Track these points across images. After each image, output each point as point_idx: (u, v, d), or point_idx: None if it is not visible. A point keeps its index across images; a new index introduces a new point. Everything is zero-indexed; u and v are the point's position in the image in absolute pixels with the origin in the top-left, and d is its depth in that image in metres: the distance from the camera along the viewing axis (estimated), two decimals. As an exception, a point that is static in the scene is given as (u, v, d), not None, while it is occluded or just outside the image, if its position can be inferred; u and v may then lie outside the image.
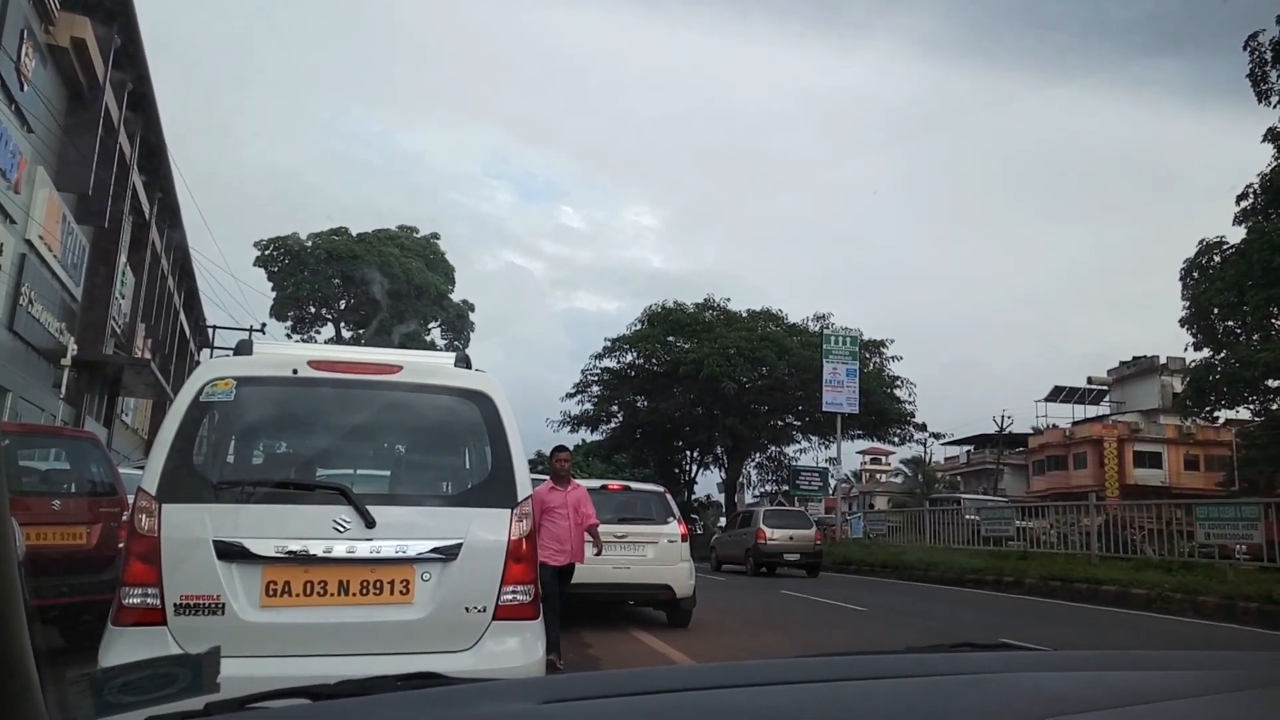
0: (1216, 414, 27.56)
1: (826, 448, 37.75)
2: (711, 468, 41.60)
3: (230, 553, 3.53)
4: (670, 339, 36.28)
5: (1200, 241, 24.41)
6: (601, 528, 10.04)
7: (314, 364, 3.97)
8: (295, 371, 3.93)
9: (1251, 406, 25.30)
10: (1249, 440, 27.04)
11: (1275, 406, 24.28)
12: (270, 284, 49.58)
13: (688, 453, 41.62)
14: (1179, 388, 32.40)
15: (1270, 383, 23.06)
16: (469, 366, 4.36)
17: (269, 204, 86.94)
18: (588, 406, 39.71)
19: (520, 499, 3.93)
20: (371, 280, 47.31)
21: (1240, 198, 23.05)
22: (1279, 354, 21.01)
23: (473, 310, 53.76)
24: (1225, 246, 23.65)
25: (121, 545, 5.52)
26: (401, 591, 3.70)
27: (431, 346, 46.59)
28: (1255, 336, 23.13)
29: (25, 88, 15.50)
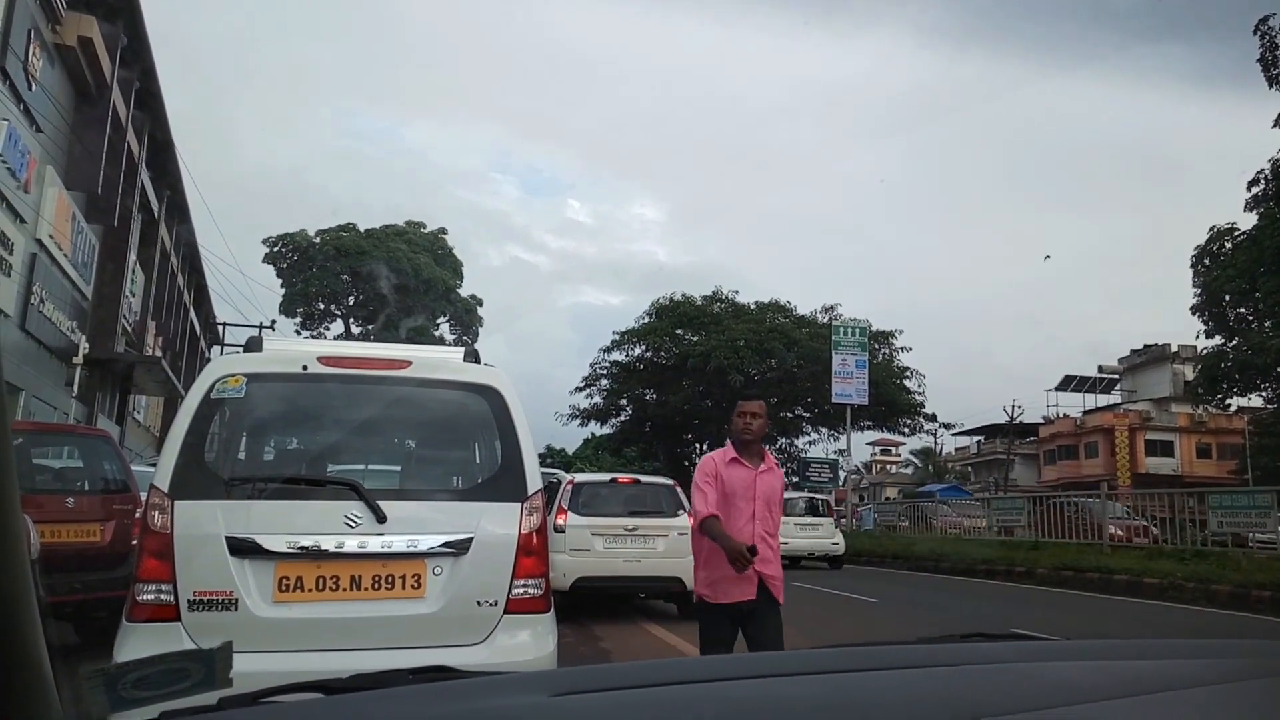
0: (1229, 401, 27.44)
1: (836, 439, 37.75)
2: (721, 460, 41.55)
3: (243, 548, 3.54)
4: (678, 332, 36.28)
5: (1211, 228, 24.31)
6: (611, 521, 10.10)
7: (324, 360, 3.98)
8: (305, 368, 3.94)
9: (1264, 394, 25.18)
10: (1262, 428, 26.94)
11: (1288, 394, 24.14)
12: (279, 280, 49.79)
13: (697, 445, 41.63)
14: (1190, 375, 32.27)
15: (1283, 370, 22.93)
16: (478, 361, 4.37)
17: (276, 200, 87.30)
18: (597, 400, 39.80)
19: (530, 492, 3.94)
20: (380, 276, 47.44)
21: (1251, 183, 22.90)
22: (1291, 341, 20.90)
23: (481, 305, 53.91)
24: (1236, 233, 23.52)
25: (135, 542, 5.56)
26: (413, 586, 3.72)
27: (440, 341, 46.72)
28: (1267, 323, 23.01)
29: (33, 87, 15.56)
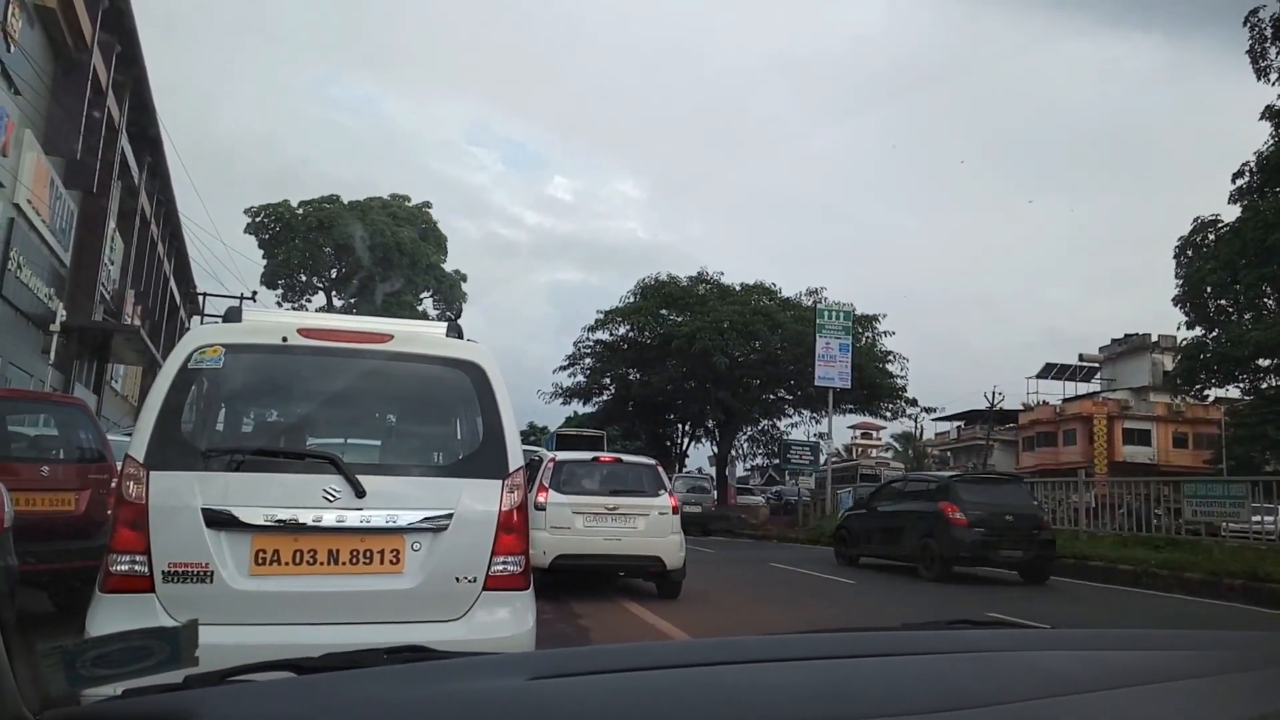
0: (1207, 392, 27.68)
1: (818, 422, 37.87)
2: (703, 441, 41.73)
3: (219, 520, 3.50)
4: (663, 312, 36.22)
5: (1195, 219, 24.42)
6: (592, 499, 10.12)
7: (304, 332, 3.92)
8: (285, 339, 3.88)
9: (1241, 385, 25.40)
10: (1238, 419, 27.17)
11: (1265, 385, 24.35)
12: (261, 251, 49.33)
13: (679, 426, 41.70)
14: (1170, 365, 32.52)
15: (1261, 361, 23.14)
16: (460, 336, 4.32)
17: (258, 171, 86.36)
18: (580, 379, 39.75)
19: (512, 469, 3.91)
20: (363, 249, 47.08)
21: (1236, 175, 23.01)
22: (1270, 333, 21.06)
23: (465, 280, 53.65)
24: (1220, 225, 23.62)
25: (110, 512, 5.50)
26: (392, 561, 3.69)
27: (424, 316, 46.50)
28: (1247, 315, 23.18)
29: (12, 49, 15.27)
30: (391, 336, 4.05)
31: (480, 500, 3.83)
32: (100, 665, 0.92)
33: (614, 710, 0.94)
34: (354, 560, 3.65)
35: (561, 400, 40.43)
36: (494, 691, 0.98)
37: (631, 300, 37.40)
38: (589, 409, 42.11)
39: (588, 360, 39.47)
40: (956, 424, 63.63)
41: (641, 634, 7.92)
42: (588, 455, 11.42)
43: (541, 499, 9.79)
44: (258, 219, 49.19)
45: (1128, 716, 1.01)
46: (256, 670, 1.05)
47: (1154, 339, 49.55)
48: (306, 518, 3.59)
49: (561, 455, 11.30)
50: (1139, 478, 20.13)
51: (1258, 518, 14.25)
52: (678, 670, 1.10)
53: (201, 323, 30.72)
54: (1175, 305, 24.86)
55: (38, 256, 17.82)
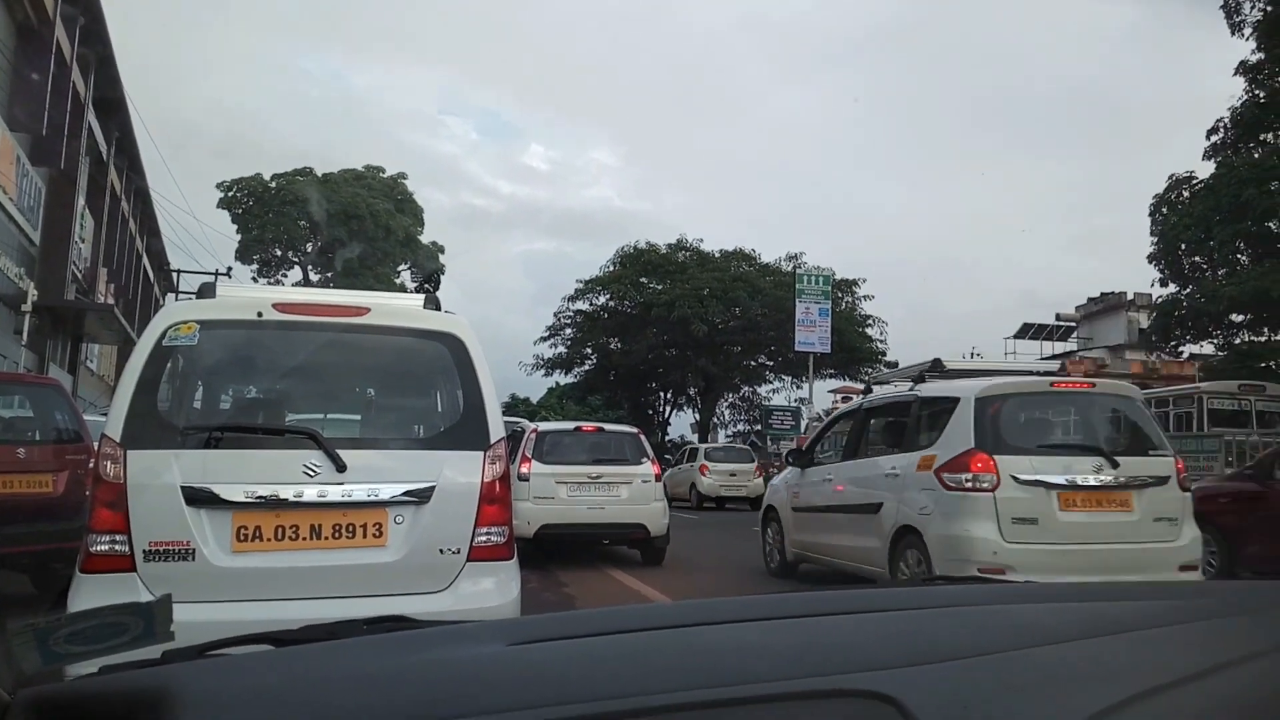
0: (1181, 348, 27.94)
1: (799, 387, 38.11)
2: (685, 408, 41.93)
3: (199, 498, 3.49)
4: (643, 280, 36.20)
5: (1170, 176, 24.49)
6: (575, 469, 10.17)
7: (279, 306, 3.89)
8: (260, 314, 3.85)
9: (1215, 340, 25.65)
10: (1212, 374, 27.45)
11: (1239, 341, 24.62)
12: (235, 226, 48.73)
13: (661, 394, 41.84)
14: (1145, 323, 32.82)
15: (1234, 317, 23.36)
16: (438, 308, 4.29)
17: (229, 145, 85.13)
18: (561, 349, 39.72)
19: (493, 440, 3.91)
20: (338, 222, 46.60)
21: (1210, 132, 23.09)
22: (1244, 289, 21.26)
23: (442, 252, 53.29)
24: (1195, 181, 23.73)
25: (88, 492, 5.47)
26: (375, 534, 3.69)
27: (401, 288, 46.19)
28: (1221, 271, 23.37)
29: (-30, 23, 14.91)
30: (368, 310, 4.02)
31: (462, 472, 3.83)
32: (74, 642, 0.91)
33: (593, 673, 0.95)
34: (337, 535, 3.65)
35: (543, 372, 40.45)
36: (473, 658, 0.99)
37: (611, 269, 37.35)
38: (570, 379, 42.14)
39: (568, 330, 39.47)
40: (936, 386, 63.97)
41: (626, 600, 7.98)
42: (570, 425, 11.44)
43: (525, 469, 9.81)
44: (230, 193, 48.52)
45: (1105, 665, 1.02)
46: (235, 644, 1.05)
47: (1130, 297, 49.90)
48: (288, 493, 3.58)
49: (544, 426, 11.32)
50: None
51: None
52: (657, 632, 1.10)
53: (176, 299, 30.39)
54: (1150, 263, 25.00)
55: (6, 235, 17.52)
